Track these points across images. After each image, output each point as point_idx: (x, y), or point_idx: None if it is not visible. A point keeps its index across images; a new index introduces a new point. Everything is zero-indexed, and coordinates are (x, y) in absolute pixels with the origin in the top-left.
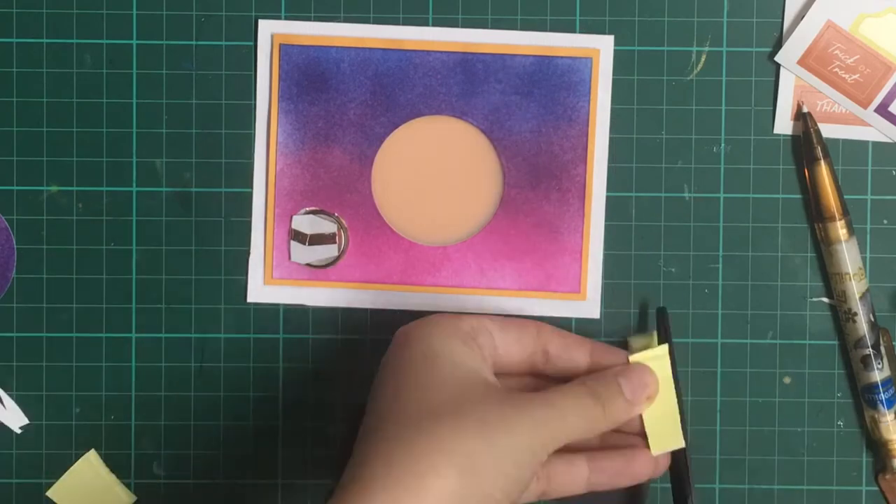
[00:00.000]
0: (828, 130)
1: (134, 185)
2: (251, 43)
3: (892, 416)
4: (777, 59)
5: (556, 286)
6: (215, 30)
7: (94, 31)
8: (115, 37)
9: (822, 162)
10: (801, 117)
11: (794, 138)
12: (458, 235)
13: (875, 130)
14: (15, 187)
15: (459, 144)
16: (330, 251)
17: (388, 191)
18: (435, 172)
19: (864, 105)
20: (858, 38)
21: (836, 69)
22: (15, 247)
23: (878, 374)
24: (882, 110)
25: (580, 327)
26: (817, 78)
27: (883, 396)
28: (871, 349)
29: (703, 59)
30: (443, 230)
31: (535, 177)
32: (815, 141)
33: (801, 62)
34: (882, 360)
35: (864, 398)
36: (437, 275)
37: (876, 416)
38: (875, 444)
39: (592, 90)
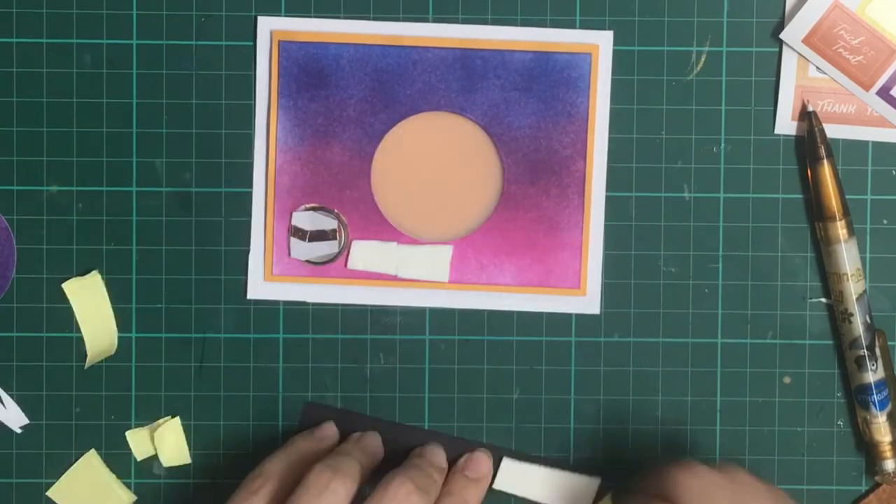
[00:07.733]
0: (828, 130)
1: (134, 185)
2: (251, 43)
3: (884, 417)
4: (782, 36)
5: (555, 282)
6: (215, 30)
7: (94, 31)
8: (115, 37)
9: (826, 161)
10: (806, 116)
11: (796, 138)
12: (457, 231)
13: (875, 130)
14: (15, 187)
15: (459, 140)
16: (330, 247)
17: (387, 187)
18: (434, 169)
19: (867, 87)
20: (865, 20)
21: (841, 49)
22: (15, 247)
23: (872, 375)
24: (884, 93)
25: (580, 324)
26: (821, 58)
27: (876, 398)
28: (865, 350)
29: (703, 59)
30: (442, 226)
31: (535, 173)
32: (819, 140)
33: (806, 41)
34: (876, 361)
35: (857, 399)
36: None
37: (868, 417)
38: (866, 446)
39: (591, 86)
